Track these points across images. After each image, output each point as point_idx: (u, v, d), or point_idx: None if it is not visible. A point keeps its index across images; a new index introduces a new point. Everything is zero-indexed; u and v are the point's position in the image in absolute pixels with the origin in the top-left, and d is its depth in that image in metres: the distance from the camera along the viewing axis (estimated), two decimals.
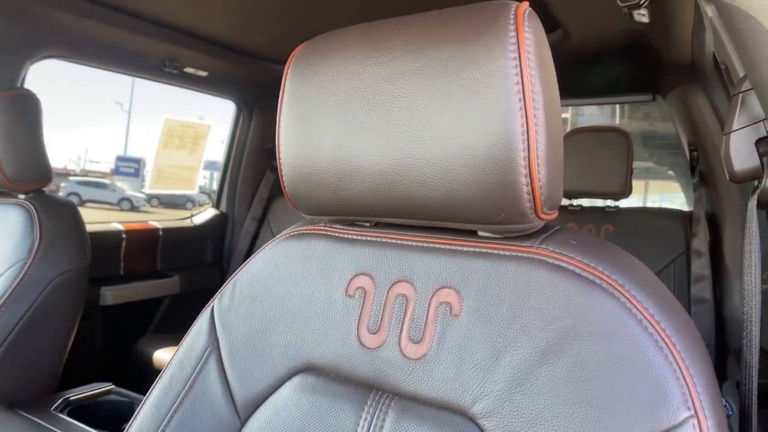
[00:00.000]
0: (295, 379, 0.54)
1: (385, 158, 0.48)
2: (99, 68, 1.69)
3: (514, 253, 0.47)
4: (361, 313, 0.52)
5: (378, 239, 0.55)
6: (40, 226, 1.12)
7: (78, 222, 1.23)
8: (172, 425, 0.56)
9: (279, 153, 0.55)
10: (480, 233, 0.51)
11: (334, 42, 0.53)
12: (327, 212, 0.57)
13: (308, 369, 0.54)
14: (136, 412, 0.60)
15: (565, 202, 1.83)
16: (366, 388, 0.50)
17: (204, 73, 1.89)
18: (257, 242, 2.28)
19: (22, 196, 1.19)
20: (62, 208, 1.21)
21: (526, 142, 0.42)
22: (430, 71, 0.45)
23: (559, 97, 0.48)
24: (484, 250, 0.49)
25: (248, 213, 2.30)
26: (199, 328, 0.61)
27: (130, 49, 1.64)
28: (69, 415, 1.00)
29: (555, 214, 0.48)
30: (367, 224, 0.58)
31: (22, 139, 1.16)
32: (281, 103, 0.55)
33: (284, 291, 0.57)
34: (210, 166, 2.73)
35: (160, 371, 0.61)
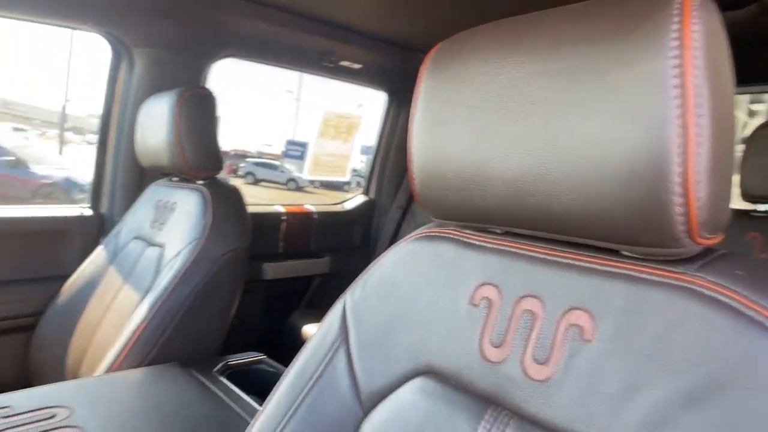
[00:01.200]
0: (417, 381, 0.54)
1: (518, 166, 0.45)
2: (266, 64, 1.85)
3: (662, 279, 0.42)
4: (485, 324, 0.51)
5: (508, 248, 0.52)
6: (213, 210, 1.26)
7: (242, 206, 1.37)
8: (303, 405, 0.60)
9: (410, 153, 0.55)
10: (623, 252, 0.45)
11: (470, 41, 0.51)
12: (456, 217, 0.55)
13: (429, 372, 0.54)
14: (275, 387, 0.65)
15: (748, 206, 1.56)
16: (484, 402, 0.49)
17: (358, 66, 1.97)
18: (401, 229, 2.34)
19: (200, 182, 1.36)
20: (230, 194, 1.36)
21: (682, 156, 0.36)
22: (573, 73, 0.41)
23: (733, 102, 0.40)
24: (625, 272, 0.44)
25: (394, 201, 2.37)
26: (332, 317, 0.64)
27: (292, 45, 1.78)
28: (227, 378, 1.13)
29: (718, 239, 0.41)
30: (498, 231, 0.56)
31: (202, 132, 1.32)
32: (414, 103, 0.54)
33: (411, 291, 0.58)
34: (366, 151, 2.87)
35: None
